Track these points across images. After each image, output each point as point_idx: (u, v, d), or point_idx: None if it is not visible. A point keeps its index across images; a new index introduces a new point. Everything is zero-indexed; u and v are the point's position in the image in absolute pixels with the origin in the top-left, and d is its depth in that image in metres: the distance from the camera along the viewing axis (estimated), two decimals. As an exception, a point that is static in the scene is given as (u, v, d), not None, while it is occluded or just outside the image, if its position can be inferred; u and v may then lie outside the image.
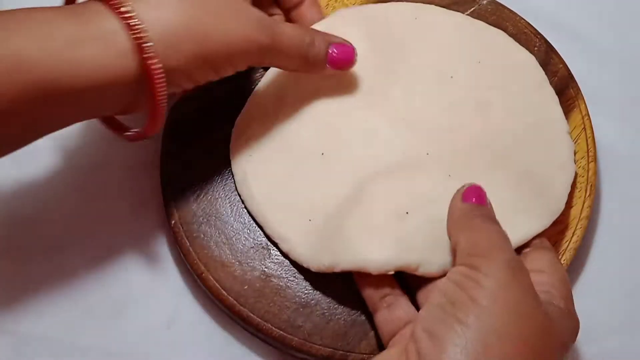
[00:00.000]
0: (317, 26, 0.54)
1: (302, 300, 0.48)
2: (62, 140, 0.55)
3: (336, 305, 0.47)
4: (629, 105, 0.58)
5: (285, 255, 0.48)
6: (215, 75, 0.46)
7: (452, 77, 0.53)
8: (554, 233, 0.49)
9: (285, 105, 0.52)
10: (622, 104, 0.57)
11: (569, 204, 0.50)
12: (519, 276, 0.40)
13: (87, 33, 0.41)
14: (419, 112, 0.52)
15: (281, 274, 0.48)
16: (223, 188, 0.51)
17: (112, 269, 0.51)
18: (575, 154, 0.51)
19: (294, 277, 0.48)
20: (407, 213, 0.47)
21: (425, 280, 0.46)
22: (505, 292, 0.39)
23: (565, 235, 0.49)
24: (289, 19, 0.55)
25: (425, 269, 0.46)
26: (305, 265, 0.47)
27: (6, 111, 0.39)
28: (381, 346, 0.46)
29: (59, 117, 0.43)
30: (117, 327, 0.49)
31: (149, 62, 0.42)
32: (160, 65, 0.42)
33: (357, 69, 0.52)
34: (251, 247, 0.49)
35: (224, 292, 0.47)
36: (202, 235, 0.49)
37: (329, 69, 0.50)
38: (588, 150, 0.52)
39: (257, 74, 0.54)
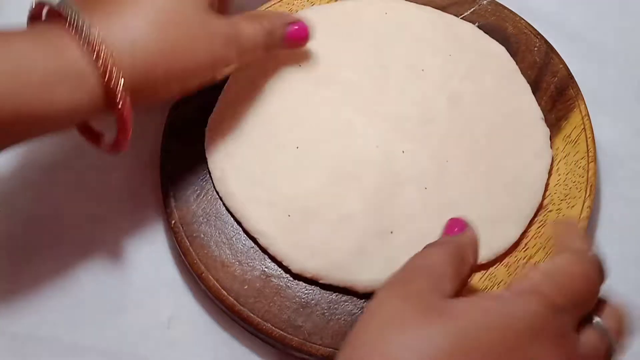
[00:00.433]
0: None
1: (302, 300, 0.48)
2: (62, 140, 0.55)
3: (336, 305, 0.47)
4: (629, 106, 0.58)
5: (264, 250, 0.49)
6: (181, 92, 0.47)
7: (423, 70, 0.54)
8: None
9: (256, 100, 0.53)
10: (622, 104, 0.57)
11: (569, 204, 0.50)
12: None
13: (57, 67, 0.41)
14: (392, 106, 0.53)
15: (281, 273, 0.48)
16: (223, 188, 0.51)
17: (112, 269, 0.51)
18: (550, 139, 0.52)
19: (294, 277, 0.48)
20: (391, 232, 0.49)
21: None
22: None
23: (565, 235, 0.49)
24: None
25: None
26: (284, 263, 0.48)
27: None
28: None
29: (24, 136, 0.43)
30: (117, 327, 0.49)
31: (117, 93, 0.42)
32: (127, 95, 0.42)
33: (329, 63, 0.53)
34: (251, 247, 0.49)
35: (224, 292, 0.47)
36: (202, 235, 0.49)
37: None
38: (588, 151, 0.52)
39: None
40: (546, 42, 0.56)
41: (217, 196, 0.50)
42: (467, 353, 0.34)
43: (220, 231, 0.49)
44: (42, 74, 0.41)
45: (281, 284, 0.48)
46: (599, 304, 0.40)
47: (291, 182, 0.50)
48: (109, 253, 0.51)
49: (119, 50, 0.42)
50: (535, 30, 0.57)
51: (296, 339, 0.46)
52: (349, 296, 0.48)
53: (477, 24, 0.57)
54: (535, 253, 0.49)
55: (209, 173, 0.51)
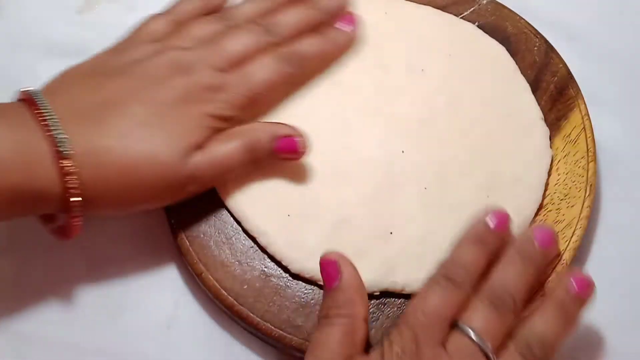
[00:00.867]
0: None
1: (302, 299, 0.48)
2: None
3: (336, 305, 0.47)
4: (629, 106, 0.57)
5: (264, 250, 0.49)
6: (140, 207, 0.47)
7: (422, 70, 0.54)
8: (554, 233, 0.49)
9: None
10: (622, 104, 0.57)
11: (569, 204, 0.50)
12: None
13: (18, 157, 0.42)
14: (392, 106, 0.53)
15: (281, 273, 0.48)
16: (223, 188, 0.51)
17: (112, 269, 0.51)
18: (550, 139, 0.52)
19: (294, 276, 0.48)
20: (390, 233, 0.48)
21: None
22: None
23: (565, 235, 0.49)
24: None
25: (410, 289, 0.47)
26: (284, 262, 0.48)
27: None
28: (381, 346, 0.46)
29: None
30: (117, 327, 0.49)
31: (71, 194, 0.43)
32: (79, 199, 0.43)
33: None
34: (251, 247, 0.49)
35: (223, 291, 0.47)
36: (202, 235, 0.49)
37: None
38: (588, 150, 0.52)
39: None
40: (546, 41, 0.56)
41: (217, 196, 0.50)
42: None
43: (220, 231, 0.50)
44: (5, 157, 0.42)
45: (281, 283, 0.48)
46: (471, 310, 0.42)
47: (290, 181, 0.50)
48: (109, 253, 0.51)
49: (84, 164, 0.43)
50: (535, 30, 0.57)
51: (296, 338, 0.46)
52: (349, 296, 0.48)
53: (477, 24, 0.57)
54: (535, 253, 0.49)
55: None
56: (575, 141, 0.52)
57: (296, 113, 0.52)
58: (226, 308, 0.48)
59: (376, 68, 0.54)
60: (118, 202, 0.46)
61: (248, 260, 0.49)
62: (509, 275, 0.43)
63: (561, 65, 0.55)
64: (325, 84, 0.53)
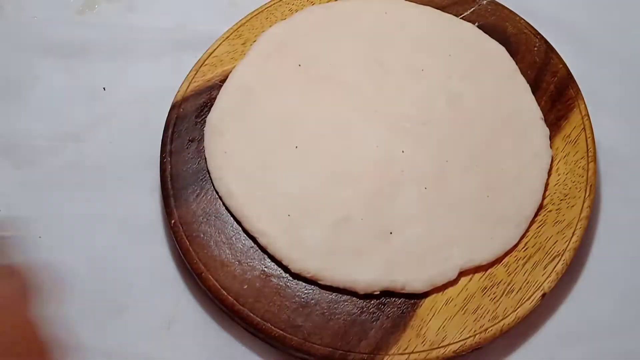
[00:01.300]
0: (285, 23, 0.55)
1: (302, 299, 0.48)
2: (62, 141, 0.55)
3: (336, 305, 0.47)
4: (629, 106, 0.57)
5: (264, 250, 0.49)
6: None
7: (423, 70, 0.54)
8: (554, 233, 0.49)
9: (254, 99, 0.53)
10: (622, 104, 0.57)
11: (569, 204, 0.50)
12: None
13: None
14: (391, 106, 0.53)
15: (281, 273, 0.48)
16: (223, 188, 0.51)
17: (112, 268, 0.51)
18: (550, 139, 0.52)
19: (294, 276, 0.48)
20: (390, 233, 0.48)
21: None
22: None
23: (565, 235, 0.49)
24: None
25: (411, 287, 0.47)
26: (284, 262, 0.48)
27: None
28: (381, 346, 0.46)
29: None
30: (117, 327, 0.49)
31: None
32: None
33: (329, 63, 0.53)
34: (251, 247, 0.49)
35: (223, 291, 0.47)
36: (201, 235, 0.49)
37: None
38: (588, 150, 0.52)
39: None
40: (546, 42, 0.56)
41: (216, 196, 0.50)
42: None
43: (220, 231, 0.49)
44: None
45: (281, 283, 0.48)
46: None
47: (291, 181, 0.50)
48: (109, 253, 0.51)
49: None
50: (535, 30, 0.57)
51: (296, 338, 0.46)
52: (349, 296, 0.48)
53: (477, 24, 0.57)
54: (535, 253, 0.49)
55: (209, 173, 0.51)
56: (575, 141, 0.52)
57: (297, 112, 0.52)
58: (226, 308, 0.48)
59: (376, 68, 0.54)
60: None
61: (248, 260, 0.49)
62: None
63: (561, 65, 0.55)
64: (325, 84, 0.53)
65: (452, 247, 0.48)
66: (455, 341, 0.46)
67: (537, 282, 0.48)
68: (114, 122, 0.56)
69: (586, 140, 0.52)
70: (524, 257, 0.49)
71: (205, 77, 0.55)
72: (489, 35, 0.56)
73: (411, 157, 0.51)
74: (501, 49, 0.56)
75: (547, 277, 0.48)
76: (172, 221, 0.49)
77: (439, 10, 0.57)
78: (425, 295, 0.47)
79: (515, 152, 0.52)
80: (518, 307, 0.47)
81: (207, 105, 0.53)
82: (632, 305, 0.50)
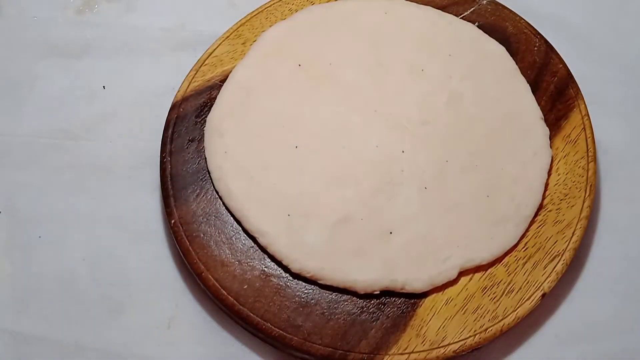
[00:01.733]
0: (285, 23, 0.55)
1: (302, 299, 0.48)
2: (62, 140, 0.55)
3: (336, 305, 0.47)
4: (629, 106, 0.57)
5: (264, 250, 0.49)
6: None
7: (423, 70, 0.54)
8: (554, 233, 0.49)
9: (254, 99, 0.53)
10: (622, 104, 0.57)
11: (569, 204, 0.50)
12: None
13: None
14: (392, 106, 0.53)
15: (281, 273, 0.48)
16: (223, 188, 0.51)
17: (112, 268, 0.51)
18: (550, 139, 0.52)
19: (294, 276, 0.48)
20: (390, 233, 0.48)
21: None
22: None
23: (565, 235, 0.49)
24: None
25: (411, 287, 0.47)
26: (284, 262, 0.48)
27: None
28: (381, 346, 0.46)
29: None
30: (117, 327, 0.49)
31: None
32: None
33: (329, 63, 0.53)
34: (251, 247, 0.49)
35: (223, 291, 0.47)
36: (201, 235, 0.49)
37: None
38: (588, 150, 0.52)
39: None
40: (546, 42, 0.56)
41: (216, 196, 0.50)
42: None
43: (220, 231, 0.49)
44: None
45: (281, 283, 0.48)
46: None
47: (291, 181, 0.50)
48: (109, 253, 0.51)
49: None
50: (535, 30, 0.57)
51: (296, 338, 0.46)
52: (349, 296, 0.48)
53: (477, 24, 0.57)
54: (535, 253, 0.49)
55: (209, 173, 0.51)
56: (575, 141, 0.52)
57: (297, 112, 0.52)
58: (226, 308, 0.48)
59: (377, 68, 0.54)
60: None
61: (248, 260, 0.49)
62: None
63: (561, 66, 0.55)
64: (325, 84, 0.53)
65: (452, 247, 0.48)
66: (455, 341, 0.46)
67: (537, 282, 0.48)
68: (114, 121, 0.56)
69: (586, 140, 0.52)
70: (524, 257, 0.49)
71: (205, 77, 0.55)
72: (489, 35, 0.56)
73: (411, 157, 0.51)
74: (501, 49, 0.56)
75: (547, 277, 0.48)
76: (172, 221, 0.49)
77: (439, 10, 0.57)
78: (425, 295, 0.48)
79: (515, 152, 0.52)
80: (518, 307, 0.47)
81: (207, 105, 0.53)
82: (632, 305, 0.50)
